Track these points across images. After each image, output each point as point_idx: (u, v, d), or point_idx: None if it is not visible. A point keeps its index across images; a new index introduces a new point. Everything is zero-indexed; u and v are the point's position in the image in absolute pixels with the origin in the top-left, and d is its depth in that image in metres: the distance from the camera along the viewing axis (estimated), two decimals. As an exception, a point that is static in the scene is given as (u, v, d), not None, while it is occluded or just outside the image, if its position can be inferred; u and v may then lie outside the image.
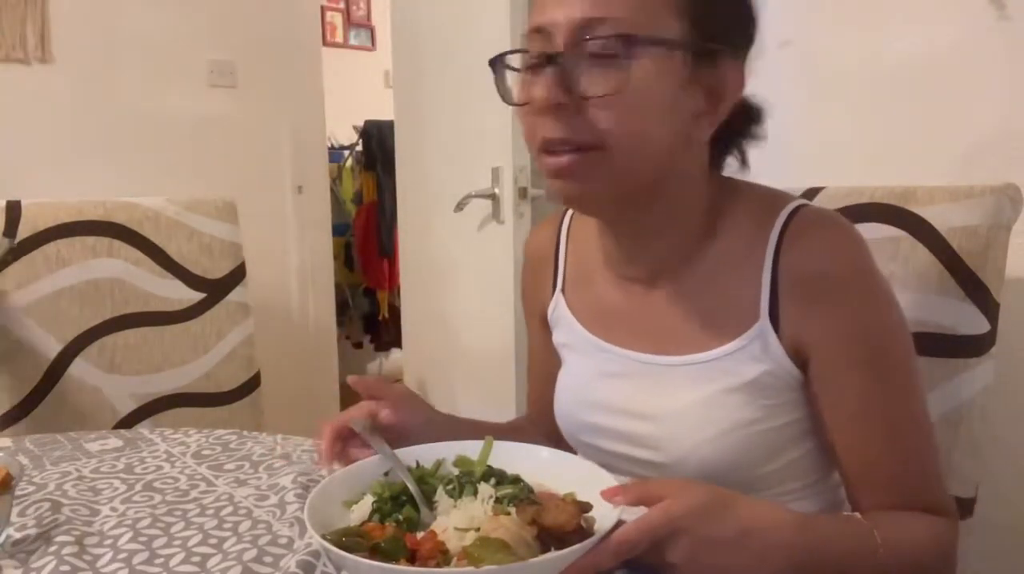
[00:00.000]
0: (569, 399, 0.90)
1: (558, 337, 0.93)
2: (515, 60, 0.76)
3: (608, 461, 0.83)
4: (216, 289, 1.45)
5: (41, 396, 1.34)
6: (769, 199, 0.79)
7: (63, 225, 1.36)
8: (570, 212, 0.95)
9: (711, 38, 0.71)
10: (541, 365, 1.00)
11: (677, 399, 0.79)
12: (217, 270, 1.45)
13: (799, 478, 0.81)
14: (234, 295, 1.47)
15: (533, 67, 0.72)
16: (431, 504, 0.71)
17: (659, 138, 0.71)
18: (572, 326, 0.90)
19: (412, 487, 0.72)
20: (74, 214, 1.38)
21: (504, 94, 0.76)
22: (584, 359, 0.88)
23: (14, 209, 1.36)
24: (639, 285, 0.83)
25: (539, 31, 0.72)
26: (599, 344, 0.86)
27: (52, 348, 1.35)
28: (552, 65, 0.69)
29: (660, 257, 0.81)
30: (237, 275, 1.47)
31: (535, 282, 0.97)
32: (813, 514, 0.77)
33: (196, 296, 1.44)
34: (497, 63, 0.75)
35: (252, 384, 1.49)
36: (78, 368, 1.36)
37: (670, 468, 0.79)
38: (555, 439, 0.92)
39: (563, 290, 0.92)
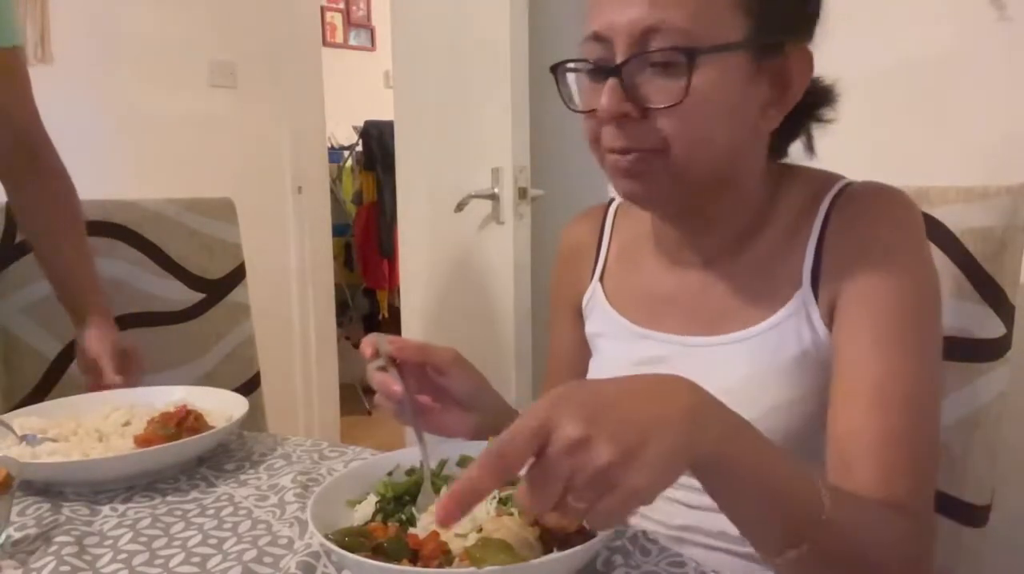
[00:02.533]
0: None
1: (591, 326, 0.91)
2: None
3: None
4: (216, 289, 1.45)
5: (41, 396, 1.34)
6: (822, 178, 0.79)
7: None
8: (615, 203, 0.94)
9: (775, 30, 0.70)
10: (569, 361, 0.97)
11: (722, 379, 0.71)
12: (217, 270, 1.45)
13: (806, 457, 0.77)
14: (234, 295, 1.46)
15: (594, 74, 0.72)
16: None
17: (724, 139, 0.71)
18: (607, 314, 0.88)
19: (423, 454, 0.73)
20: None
21: (567, 100, 0.76)
22: (620, 347, 0.87)
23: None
24: (693, 270, 0.82)
25: (597, 38, 0.71)
26: (638, 331, 0.84)
27: (52, 348, 1.35)
28: (614, 76, 0.68)
29: (716, 243, 0.80)
30: (237, 275, 1.47)
31: (570, 273, 0.95)
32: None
33: (196, 296, 1.43)
34: (558, 70, 0.75)
35: (252, 384, 1.49)
36: (77, 370, 1.33)
37: None
38: None
39: (601, 279, 0.91)
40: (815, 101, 0.79)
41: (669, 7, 0.67)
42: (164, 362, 1.41)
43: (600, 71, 0.70)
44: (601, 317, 0.89)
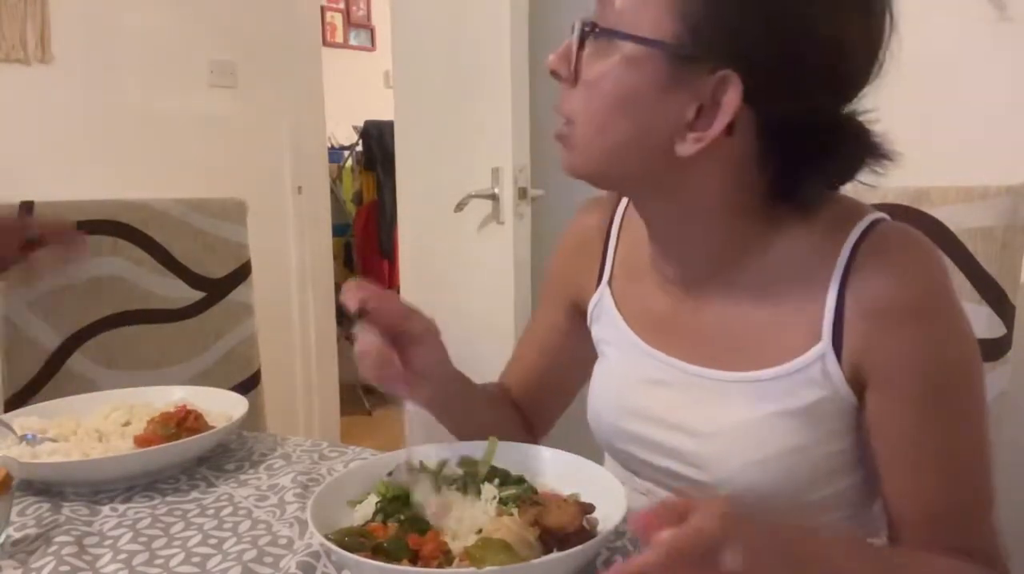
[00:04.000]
0: (606, 402, 0.86)
1: (599, 332, 0.89)
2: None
3: (642, 471, 0.82)
4: (217, 288, 1.46)
5: (38, 387, 1.36)
6: (842, 210, 0.72)
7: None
8: (625, 200, 0.89)
9: (704, 46, 0.64)
10: (542, 346, 0.96)
11: (728, 416, 0.74)
12: (219, 270, 1.46)
13: (844, 508, 0.78)
14: (236, 295, 1.47)
15: None
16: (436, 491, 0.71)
17: (617, 136, 0.69)
18: (617, 323, 0.85)
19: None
20: (84, 213, 1.40)
21: None
22: (626, 360, 0.84)
23: (28, 209, 1.37)
24: (684, 290, 0.79)
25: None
26: (644, 348, 0.82)
27: (52, 341, 1.37)
28: (569, 38, 0.70)
29: (701, 262, 0.76)
30: (240, 275, 1.48)
31: (573, 264, 0.92)
32: (840, 540, 0.71)
33: (196, 295, 1.44)
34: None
35: (251, 383, 1.49)
36: (76, 362, 1.38)
37: (712, 488, 0.75)
38: (523, 417, 0.94)
39: (610, 283, 0.87)
40: (824, 145, 0.69)
41: None
42: (162, 359, 1.43)
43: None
44: (610, 324, 0.86)
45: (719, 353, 0.76)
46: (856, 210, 0.73)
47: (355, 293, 0.76)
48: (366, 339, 0.75)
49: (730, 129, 0.66)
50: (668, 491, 0.80)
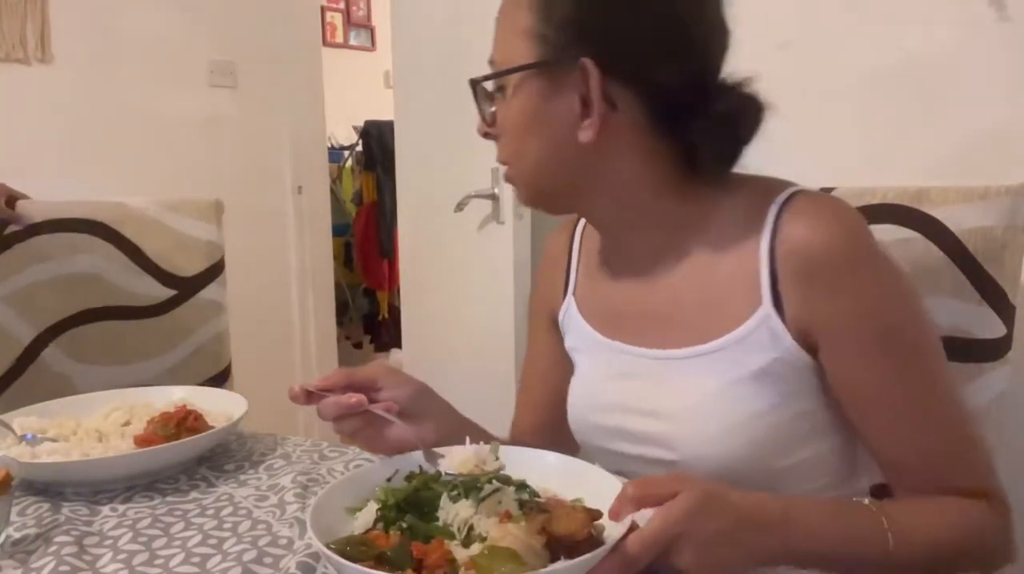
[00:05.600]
0: (581, 403, 0.89)
1: (569, 341, 0.93)
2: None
3: (622, 464, 0.83)
4: (188, 286, 1.50)
5: (11, 380, 1.39)
6: (764, 186, 0.79)
7: (49, 222, 1.42)
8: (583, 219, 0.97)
9: (560, 51, 0.75)
10: (543, 372, 0.99)
11: (686, 394, 0.78)
12: (191, 268, 1.50)
13: (820, 477, 0.80)
14: (207, 292, 1.51)
15: None
16: (433, 510, 0.70)
17: (537, 148, 0.79)
18: (581, 328, 0.90)
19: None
20: (59, 212, 1.43)
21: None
22: (594, 361, 0.89)
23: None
24: (635, 278, 0.84)
25: None
26: (608, 343, 0.86)
27: (26, 335, 1.41)
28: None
29: (643, 249, 0.83)
30: (212, 273, 1.51)
31: (547, 284, 0.98)
32: (805, 499, 0.74)
33: (167, 293, 1.48)
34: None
35: (220, 379, 1.52)
36: (49, 356, 1.42)
37: (684, 466, 0.78)
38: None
39: (574, 293, 0.93)
40: (707, 110, 0.76)
41: (495, 46, 0.81)
42: (133, 354, 1.46)
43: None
44: (577, 330, 0.91)
45: (674, 332, 0.80)
46: (777, 184, 0.79)
47: (297, 392, 0.79)
48: (341, 399, 0.78)
49: (613, 105, 0.75)
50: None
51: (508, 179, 0.84)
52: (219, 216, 1.53)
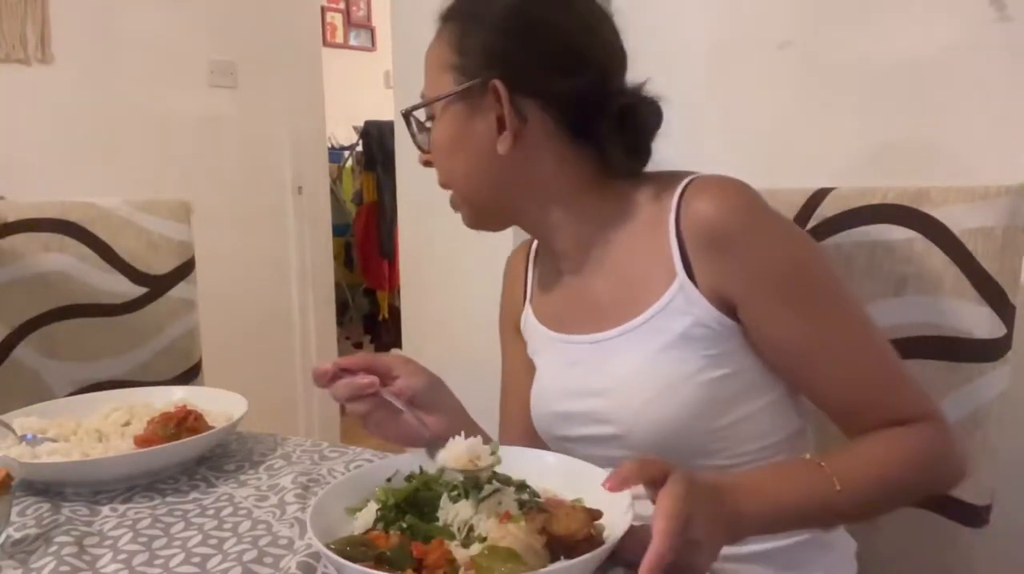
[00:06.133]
0: (538, 398, 0.95)
1: (530, 346, 1.00)
2: None
3: (576, 448, 0.88)
4: (159, 284, 1.52)
5: None
6: (668, 177, 0.86)
7: (21, 221, 1.44)
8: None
9: (471, 77, 0.85)
10: (517, 379, 1.03)
11: (619, 368, 0.84)
12: (162, 266, 1.53)
13: (758, 438, 0.84)
14: (177, 291, 1.54)
15: None
16: (433, 511, 0.70)
17: (465, 165, 0.88)
18: (537, 330, 0.97)
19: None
20: (31, 212, 1.45)
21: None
22: (548, 357, 0.95)
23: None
24: (572, 274, 0.92)
25: None
26: (557, 337, 0.93)
27: None
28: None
29: (574, 246, 0.90)
30: (182, 272, 1.54)
31: (509, 298, 1.06)
32: (765, 471, 0.79)
33: (138, 291, 1.51)
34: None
35: (189, 375, 1.54)
36: (21, 352, 1.43)
37: (626, 438, 0.84)
38: None
39: (531, 301, 1.01)
40: (606, 113, 0.85)
41: (424, 80, 0.91)
42: (104, 351, 1.48)
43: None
44: (533, 334, 0.98)
45: (606, 317, 0.87)
46: (680, 174, 0.86)
47: (323, 371, 0.84)
48: (355, 379, 0.83)
49: (524, 118, 0.85)
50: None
51: (453, 205, 0.93)
52: (188, 216, 1.57)
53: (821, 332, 0.79)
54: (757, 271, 0.79)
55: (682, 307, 0.81)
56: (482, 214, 0.93)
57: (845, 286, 0.82)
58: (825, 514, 0.77)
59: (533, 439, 0.99)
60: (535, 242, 1.04)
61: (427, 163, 0.94)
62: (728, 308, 0.81)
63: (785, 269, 0.79)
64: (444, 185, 0.92)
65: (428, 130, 0.91)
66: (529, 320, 0.99)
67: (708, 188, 0.82)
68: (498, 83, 0.83)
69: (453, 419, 0.87)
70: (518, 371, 1.03)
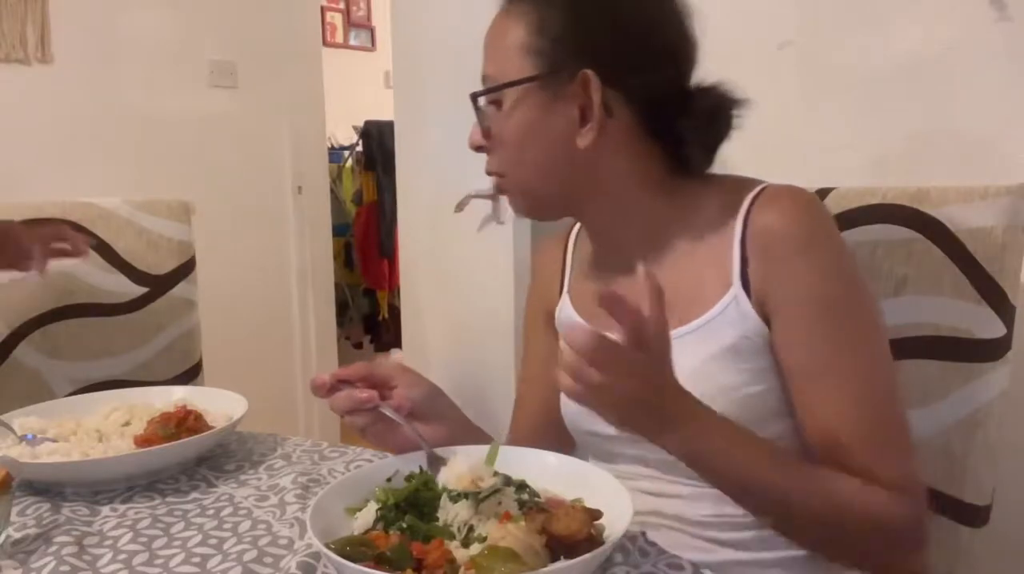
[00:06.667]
0: None
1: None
2: None
3: (604, 444, 0.87)
4: (159, 284, 1.53)
5: None
6: (736, 183, 0.85)
7: (21, 222, 1.42)
8: (578, 224, 1.01)
9: (559, 64, 0.81)
10: (541, 369, 1.01)
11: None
12: (162, 266, 1.53)
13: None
14: (178, 290, 1.54)
15: None
16: (433, 511, 0.70)
17: (536, 158, 0.85)
18: (573, 321, 0.93)
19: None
20: (33, 212, 1.45)
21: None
22: None
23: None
24: (623, 276, 0.88)
25: None
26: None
27: (0, 331, 1.44)
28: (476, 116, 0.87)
29: (632, 245, 0.88)
30: (182, 271, 1.55)
31: (543, 284, 1.03)
32: (732, 425, 0.77)
33: (139, 290, 1.51)
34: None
35: (189, 375, 1.55)
36: (22, 352, 1.44)
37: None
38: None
39: (569, 291, 0.98)
40: (689, 111, 0.84)
41: (488, 62, 0.87)
42: (105, 350, 1.49)
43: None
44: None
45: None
46: (751, 180, 0.85)
47: (320, 383, 0.84)
48: (353, 392, 0.82)
49: (609, 111, 0.82)
50: (643, 467, 0.86)
51: (503, 190, 0.89)
52: (188, 215, 1.57)
53: (827, 359, 0.77)
54: (802, 284, 0.78)
55: (733, 318, 0.80)
56: (542, 205, 0.90)
57: (881, 334, 0.80)
58: (747, 497, 0.75)
59: (546, 428, 0.98)
60: (572, 233, 1.02)
61: (479, 148, 0.89)
62: (767, 318, 0.80)
63: (829, 292, 0.78)
64: (499, 173, 0.88)
65: (489, 114, 0.87)
66: (566, 312, 0.97)
67: (780, 199, 0.81)
68: (591, 74, 0.80)
69: (453, 428, 0.86)
70: (542, 361, 1.01)
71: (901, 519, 0.75)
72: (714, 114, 0.84)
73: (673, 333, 0.80)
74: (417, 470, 0.76)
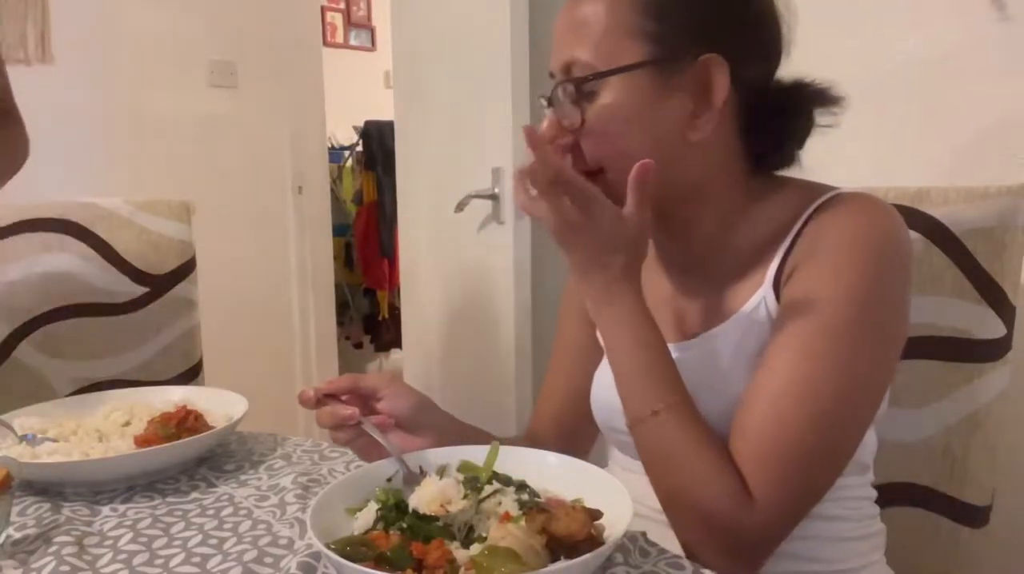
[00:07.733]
0: (605, 388, 0.88)
1: None
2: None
3: (631, 443, 0.83)
4: (159, 284, 1.53)
5: None
6: (811, 187, 0.81)
7: (22, 222, 1.45)
8: None
9: (676, 47, 0.75)
10: (573, 359, 0.99)
11: (702, 374, 0.78)
12: (163, 266, 1.53)
13: None
14: (178, 290, 1.54)
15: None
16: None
17: (643, 151, 0.74)
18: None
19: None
20: (34, 212, 1.46)
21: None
22: None
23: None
24: (682, 272, 0.87)
25: (550, 76, 0.81)
26: None
27: (1, 331, 1.43)
28: (550, 106, 0.80)
29: (697, 243, 0.85)
30: (183, 271, 1.55)
31: None
32: (655, 332, 0.76)
33: (139, 290, 1.51)
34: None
35: (189, 375, 1.55)
36: (23, 351, 1.44)
37: None
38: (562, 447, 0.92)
39: None
40: (787, 107, 0.81)
41: (577, 47, 0.77)
42: (105, 350, 1.49)
43: (548, 102, 0.81)
44: None
45: (701, 319, 0.83)
46: (825, 186, 0.80)
47: (308, 397, 0.84)
48: (338, 407, 0.82)
49: (723, 103, 0.76)
50: None
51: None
52: (189, 215, 1.57)
53: (788, 369, 0.71)
54: (807, 289, 0.73)
55: (763, 319, 0.77)
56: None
57: (868, 366, 0.73)
58: (631, 397, 0.75)
59: (566, 418, 0.97)
60: None
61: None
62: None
63: (827, 311, 0.71)
64: (599, 166, 0.79)
65: (579, 102, 0.78)
66: None
67: (846, 202, 0.76)
68: (719, 59, 0.75)
69: (442, 437, 0.83)
70: (572, 352, 1.00)
71: (730, 518, 0.70)
72: (807, 111, 0.81)
73: (704, 336, 0.81)
74: (418, 470, 0.76)
